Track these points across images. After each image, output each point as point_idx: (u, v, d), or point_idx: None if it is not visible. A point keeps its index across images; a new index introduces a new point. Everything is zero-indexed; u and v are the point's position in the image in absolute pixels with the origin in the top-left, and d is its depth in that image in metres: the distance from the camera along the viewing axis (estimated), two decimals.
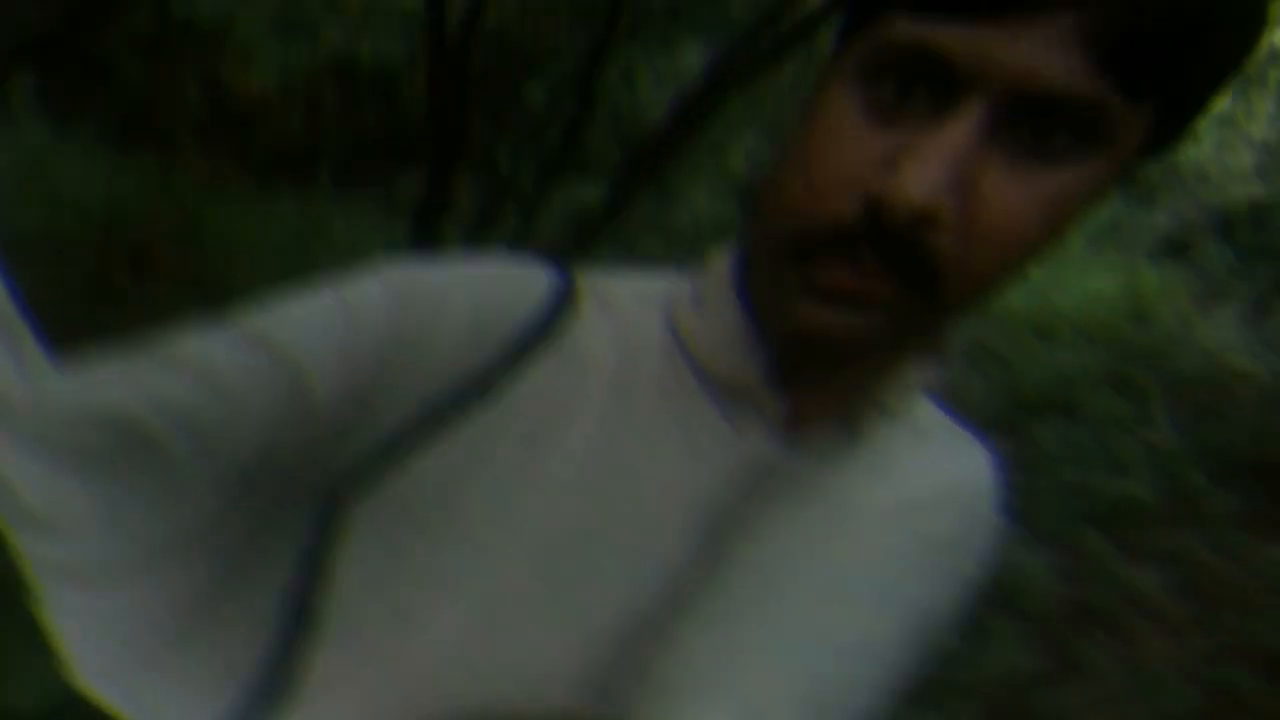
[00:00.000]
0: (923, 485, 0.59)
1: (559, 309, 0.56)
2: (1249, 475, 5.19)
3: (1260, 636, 3.85)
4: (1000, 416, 5.89)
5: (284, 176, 6.15)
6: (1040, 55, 0.42)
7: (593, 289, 0.59)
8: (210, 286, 4.73)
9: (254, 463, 0.47)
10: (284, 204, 5.95)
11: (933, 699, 3.25)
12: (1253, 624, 3.95)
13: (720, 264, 0.58)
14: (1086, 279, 8.07)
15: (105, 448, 0.45)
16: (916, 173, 0.43)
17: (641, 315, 0.58)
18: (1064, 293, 7.89)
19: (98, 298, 4.37)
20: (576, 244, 4.56)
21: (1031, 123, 0.44)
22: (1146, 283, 7.62)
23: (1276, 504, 5.00)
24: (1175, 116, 0.47)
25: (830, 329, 0.48)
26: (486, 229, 4.90)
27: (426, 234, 4.28)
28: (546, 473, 0.53)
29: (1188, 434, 5.67)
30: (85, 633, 0.47)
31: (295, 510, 0.52)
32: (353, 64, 6.16)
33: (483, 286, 0.55)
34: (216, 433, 0.47)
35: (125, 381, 0.47)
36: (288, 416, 0.48)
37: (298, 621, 0.52)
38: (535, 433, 0.53)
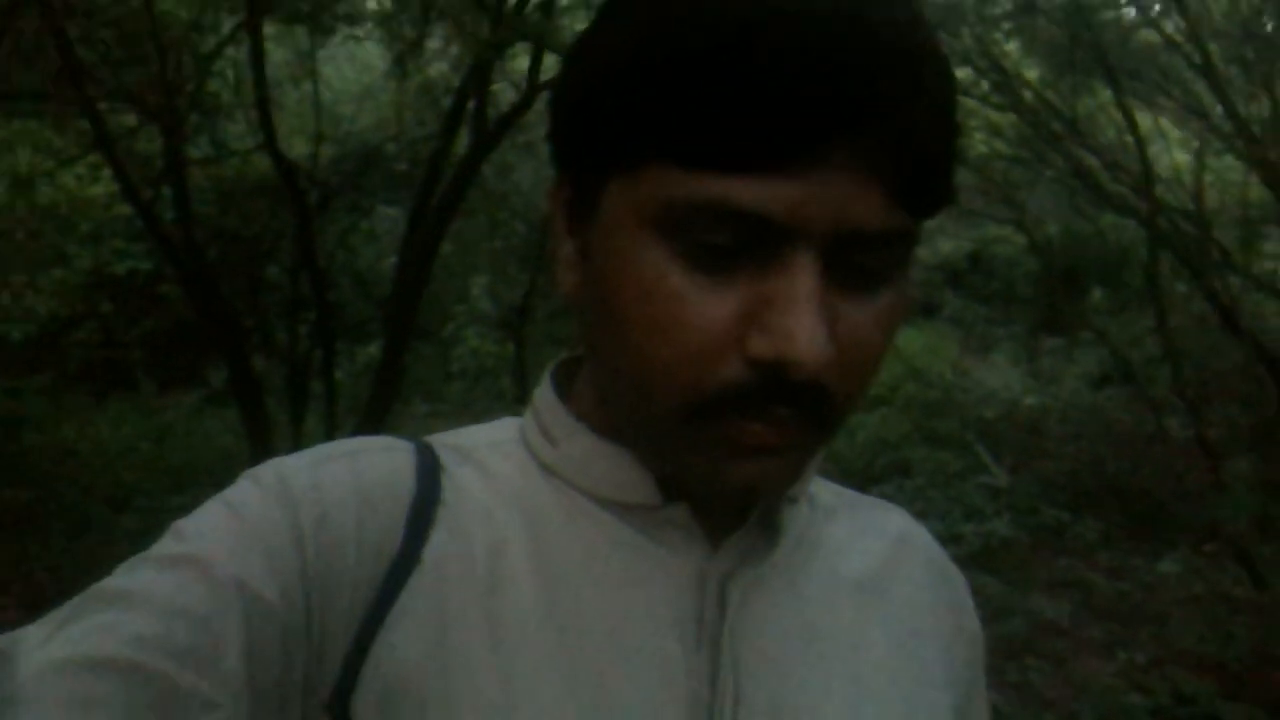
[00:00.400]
0: (877, 551, 0.63)
1: (433, 469, 0.56)
2: (1096, 502, 5.53)
3: (1185, 642, 3.97)
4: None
5: (103, 385, 6.87)
6: (854, 203, 0.44)
7: (445, 446, 0.59)
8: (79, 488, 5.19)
9: (249, 681, 0.46)
10: (120, 409, 6.74)
11: None
12: (1171, 632, 4.09)
13: (549, 398, 0.59)
14: None
15: (110, 697, 0.43)
16: (803, 332, 0.44)
17: (506, 462, 0.58)
18: None
19: None
20: (378, 398, 4.88)
21: (857, 258, 0.47)
22: (913, 343, 8.20)
23: (1134, 522, 5.31)
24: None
25: (758, 480, 0.50)
26: (298, 399, 5.44)
27: (258, 416, 4.83)
28: (516, 637, 0.51)
29: (1018, 473, 6.01)
30: None
31: None
32: (111, 279, 6.56)
33: (352, 463, 0.55)
34: (202, 654, 0.45)
35: (94, 633, 0.44)
36: (253, 626, 0.46)
37: None
38: (478, 599, 0.52)
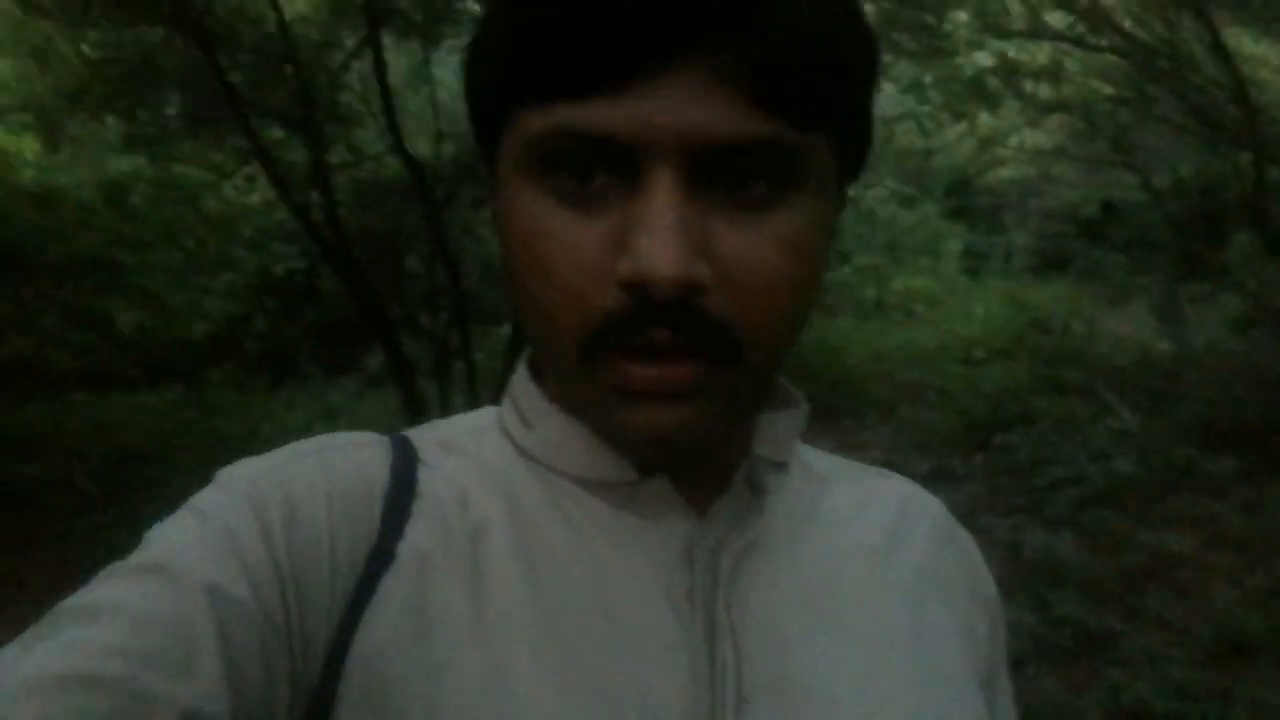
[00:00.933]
0: (882, 520, 0.62)
1: (408, 461, 0.56)
2: (1231, 441, 5.40)
3: None
4: (966, 436, 6.04)
5: (276, 374, 7.51)
6: (699, 110, 0.43)
7: (425, 438, 0.59)
8: None
9: (229, 683, 0.45)
10: (292, 395, 7.29)
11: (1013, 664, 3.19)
12: None
13: (524, 382, 0.59)
14: (971, 306, 8.51)
15: (84, 712, 0.42)
16: (657, 247, 0.43)
17: (487, 448, 0.58)
18: (962, 321, 8.31)
19: None
20: (509, 373, 5.10)
21: (726, 176, 0.46)
22: (1038, 295, 8.06)
23: (1270, 458, 5.17)
24: (852, 138, 0.51)
25: (664, 428, 0.48)
26: (444, 378, 5.88)
27: (411, 395, 5.31)
28: (502, 622, 0.50)
29: (1150, 418, 5.90)
30: None
31: None
32: (274, 279, 7.24)
33: (321, 459, 0.54)
34: (175, 659, 0.44)
35: (64, 649, 0.43)
36: (228, 629, 0.46)
37: None
38: (460, 586, 0.51)
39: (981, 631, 0.62)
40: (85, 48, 5.53)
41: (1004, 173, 10.59)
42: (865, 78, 0.50)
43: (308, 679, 0.49)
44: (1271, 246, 6.83)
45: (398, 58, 6.13)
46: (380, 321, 5.44)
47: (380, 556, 0.51)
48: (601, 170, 0.46)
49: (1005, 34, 5.98)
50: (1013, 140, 8.33)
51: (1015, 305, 8.08)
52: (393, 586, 0.51)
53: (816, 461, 0.64)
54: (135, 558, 0.48)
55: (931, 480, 5.16)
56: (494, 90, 0.49)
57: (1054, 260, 11.52)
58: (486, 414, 0.62)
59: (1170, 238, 9.53)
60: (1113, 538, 4.26)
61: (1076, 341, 7.21)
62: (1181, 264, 9.16)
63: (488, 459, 0.57)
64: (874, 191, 10.27)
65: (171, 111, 5.88)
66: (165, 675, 0.43)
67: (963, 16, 6.24)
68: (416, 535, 0.53)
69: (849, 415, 6.63)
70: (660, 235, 0.43)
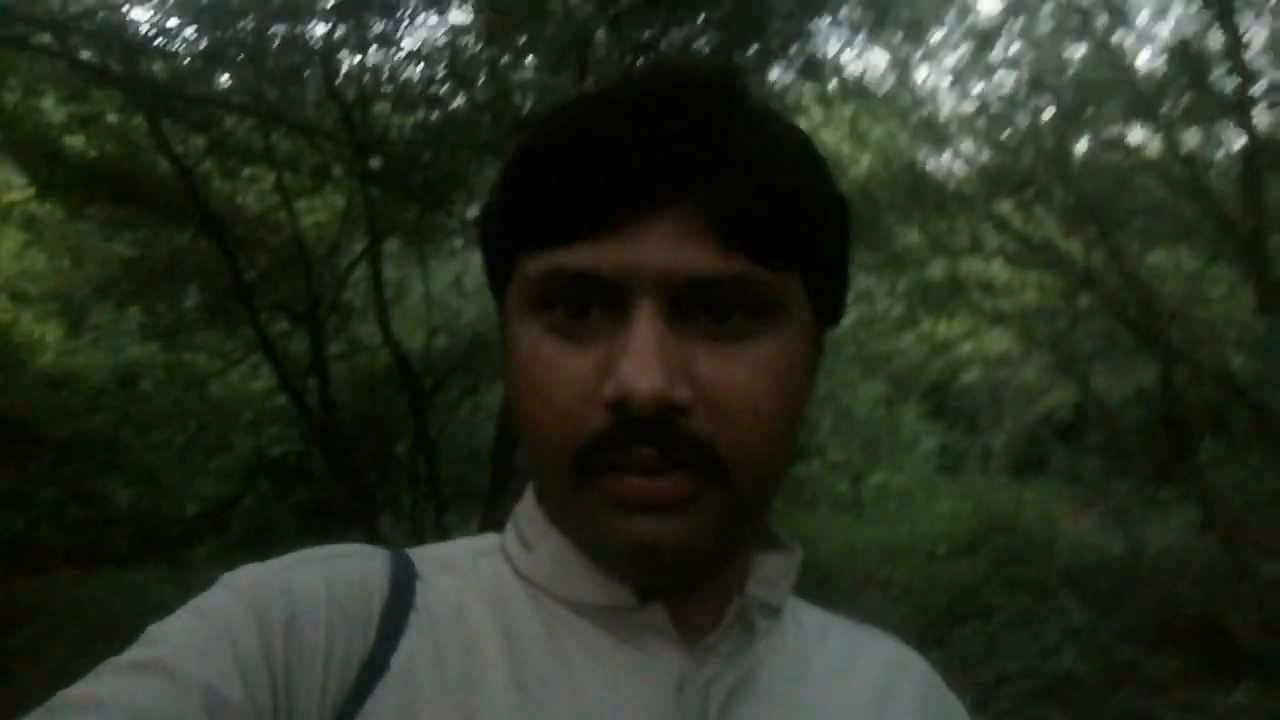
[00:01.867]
0: (872, 676, 0.63)
1: (408, 577, 0.57)
2: (1174, 639, 5.54)
3: None
4: (922, 631, 6.17)
5: (262, 554, 7.31)
6: (674, 251, 0.49)
7: (425, 556, 0.60)
8: None
9: None
10: None
11: None
12: None
13: (528, 505, 0.61)
14: (938, 504, 8.78)
15: None
16: (636, 368, 0.47)
17: (485, 569, 0.60)
18: (924, 518, 8.56)
19: None
20: None
21: (706, 309, 0.50)
22: (998, 499, 8.33)
23: (1210, 659, 5.30)
24: (824, 283, 0.56)
25: (655, 537, 0.50)
26: None
27: None
28: None
29: (1099, 616, 6.06)
30: None
31: None
32: (267, 460, 7.56)
33: (325, 567, 0.55)
34: None
35: None
36: None
37: None
38: (450, 702, 0.52)
39: None
40: (119, 246, 6.14)
41: (969, 376, 11.10)
42: (831, 227, 0.56)
43: None
44: (1236, 450, 7.15)
45: (400, 261, 6.75)
46: (364, 502, 5.78)
47: (373, 667, 0.52)
48: (594, 306, 0.50)
49: (950, 251, 6.59)
50: (966, 345, 8.87)
51: (980, 505, 8.37)
52: (382, 699, 0.51)
53: (808, 614, 0.65)
54: (134, 653, 0.49)
55: None
56: (500, 242, 0.55)
57: (1031, 461, 11.81)
58: (489, 539, 0.63)
59: (1139, 443, 9.86)
60: None
61: (1037, 542, 7.44)
62: (1153, 468, 9.44)
63: (485, 580, 0.59)
64: (857, 390, 10.75)
65: (189, 304, 6.42)
66: None
67: (914, 236, 6.89)
68: (410, 647, 0.53)
69: (816, 604, 6.78)
70: (639, 358, 0.48)
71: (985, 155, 6.66)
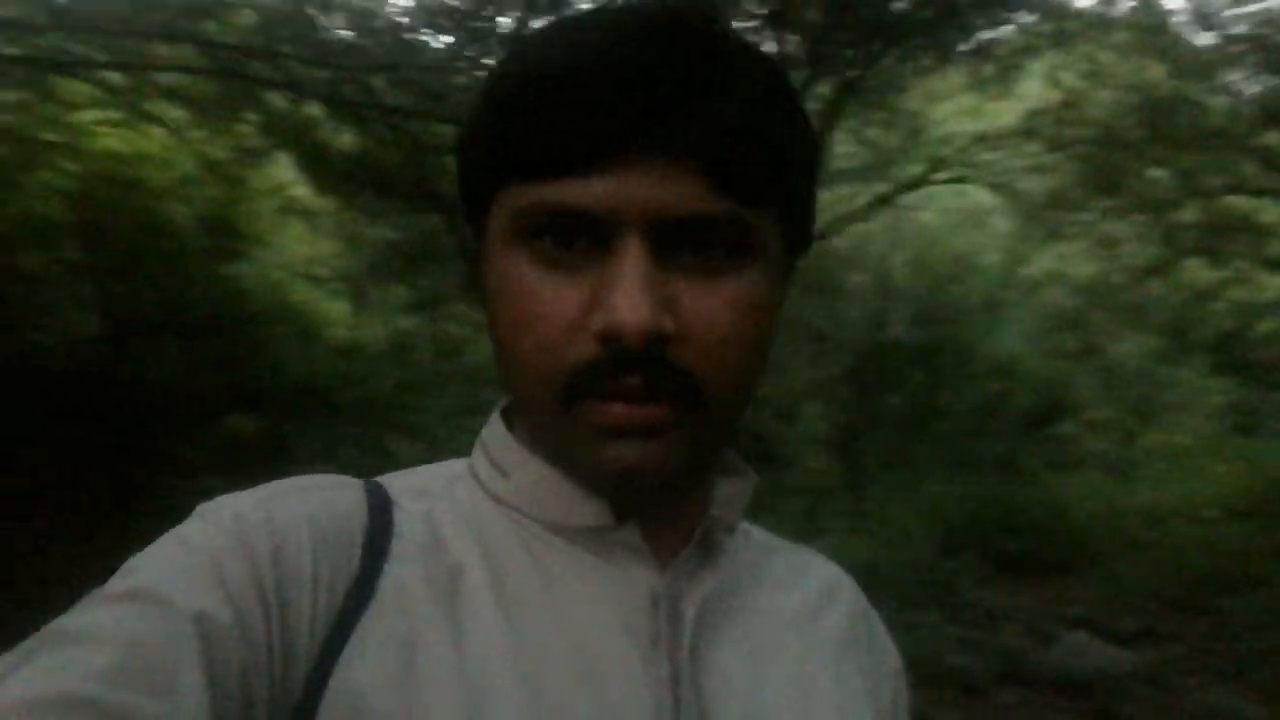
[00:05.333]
0: (811, 590, 0.67)
1: (385, 504, 0.59)
2: None
3: None
4: (1183, 598, 5.69)
5: None
6: (661, 189, 0.50)
7: (397, 484, 0.61)
8: None
9: (211, 705, 0.46)
10: None
11: None
12: None
13: (498, 432, 0.62)
14: (1216, 465, 7.90)
15: None
16: (627, 302, 0.49)
17: (461, 494, 0.61)
18: (1197, 480, 7.75)
19: None
20: None
21: (687, 245, 0.52)
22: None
23: None
24: (796, 218, 0.58)
25: (637, 461, 0.52)
26: None
27: None
28: (479, 661, 0.53)
29: None
30: None
31: None
32: None
33: (304, 497, 0.56)
34: (158, 682, 0.45)
35: (49, 672, 0.44)
36: (210, 651, 0.47)
37: None
38: (440, 625, 0.54)
39: (886, 698, 0.68)
40: (384, 231, 6.92)
41: (1265, 326, 9.85)
42: (806, 165, 0.57)
43: (287, 704, 0.50)
44: None
45: None
46: None
47: (361, 591, 0.54)
48: (579, 238, 0.51)
49: (1207, 192, 5.90)
50: (1238, 292, 7.88)
51: (1262, 466, 7.48)
52: (374, 621, 0.53)
53: (756, 533, 0.69)
54: (117, 584, 0.49)
55: (1133, 640, 4.96)
56: (483, 170, 0.55)
57: None
58: (455, 464, 0.65)
59: None
60: None
61: None
62: None
63: (461, 504, 0.60)
64: (1123, 347, 9.91)
65: (448, 280, 7.10)
66: (149, 698, 0.44)
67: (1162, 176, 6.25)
68: (396, 573, 0.55)
69: (1059, 569, 6.43)
70: (629, 293, 0.49)
71: (1253, 86, 5.89)
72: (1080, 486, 8.09)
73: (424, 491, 0.61)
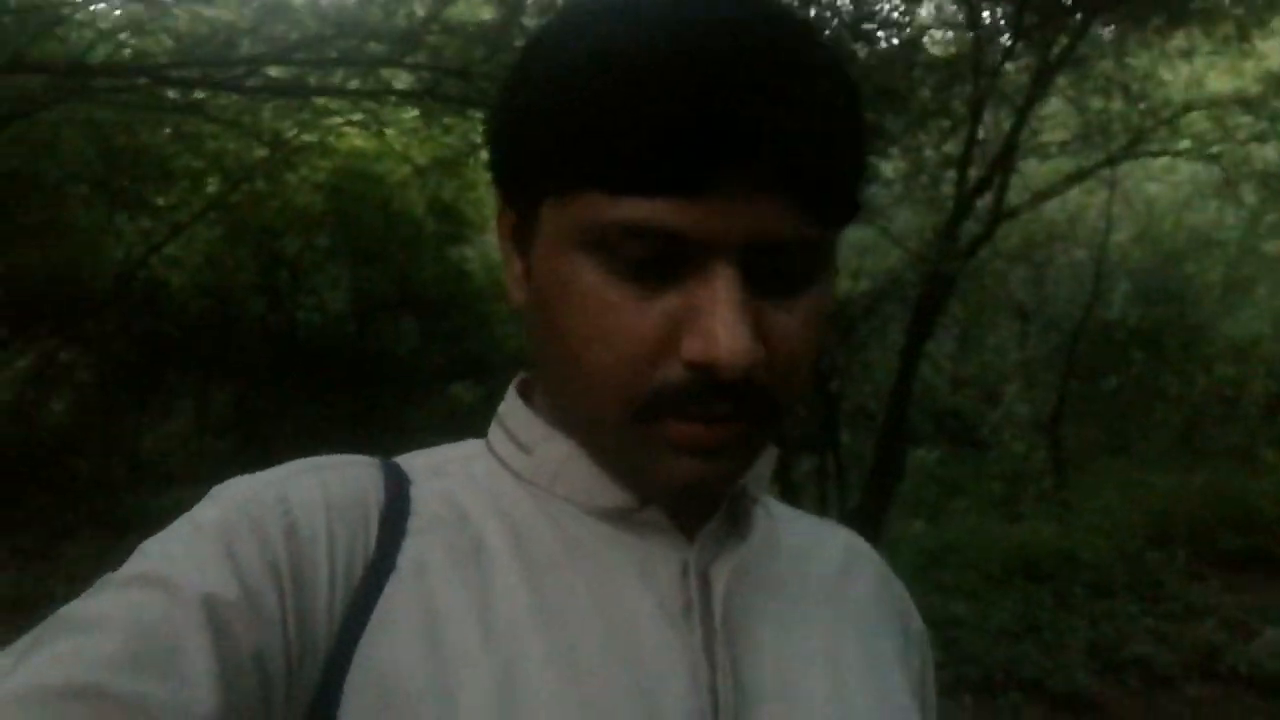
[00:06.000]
0: (834, 557, 0.68)
1: (401, 482, 0.59)
2: None
3: None
4: None
5: None
6: (757, 215, 0.49)
7: (412, 463, 0.62)
8: None
9: (223, 690, 0.46)
10: None
11: None
12: None
13: (518, 409, 0.62)
14: None
15: None
16: (728, 335, 0.48)
17: (479, 472, 0.61)
18: None
19: None
20: (873, 490, 5.73)
21: (773, 265, 0.51)
22: None
23: None
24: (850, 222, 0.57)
25: (705, 479, 0.53)
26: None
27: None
28: (509, 630, 0.53)
29: None
30: None
31: None
32: None
33: (318, 476, 0.56)
34: (168, 668, 0.45)
35: (58, 660, 0.44)
36: (222, 635, 0.47)
37: None
38: (466, 596, 0.54)
39: (915, 663, 0.68)
40: None
41: None
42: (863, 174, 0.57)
43: (307, 682, 0.50)
44: None
45: None
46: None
47: (381, 567, 0.54)
48: (663, 257, 0.50)
49: None
50: None
51: None
52: (396, 596, 0.53)
53: (773, 504, 0.69)
54: (129, 569, 0.49)
55: None
56: (555, 168, 0.52)
57: None
58: (472, 444, 0.64)
59: None
60: None
61: None
62: None
63: (480, 481, 0.60)
64: None
65: None
66: (160, 685, 0.44)
67: None
68: (416, 548, 0.55)
69: None
70: (730, 324, 0.49)
71: None
72: None
73: (440, 469, 0.61)
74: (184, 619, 0.46)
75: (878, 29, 5.29)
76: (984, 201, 5.70)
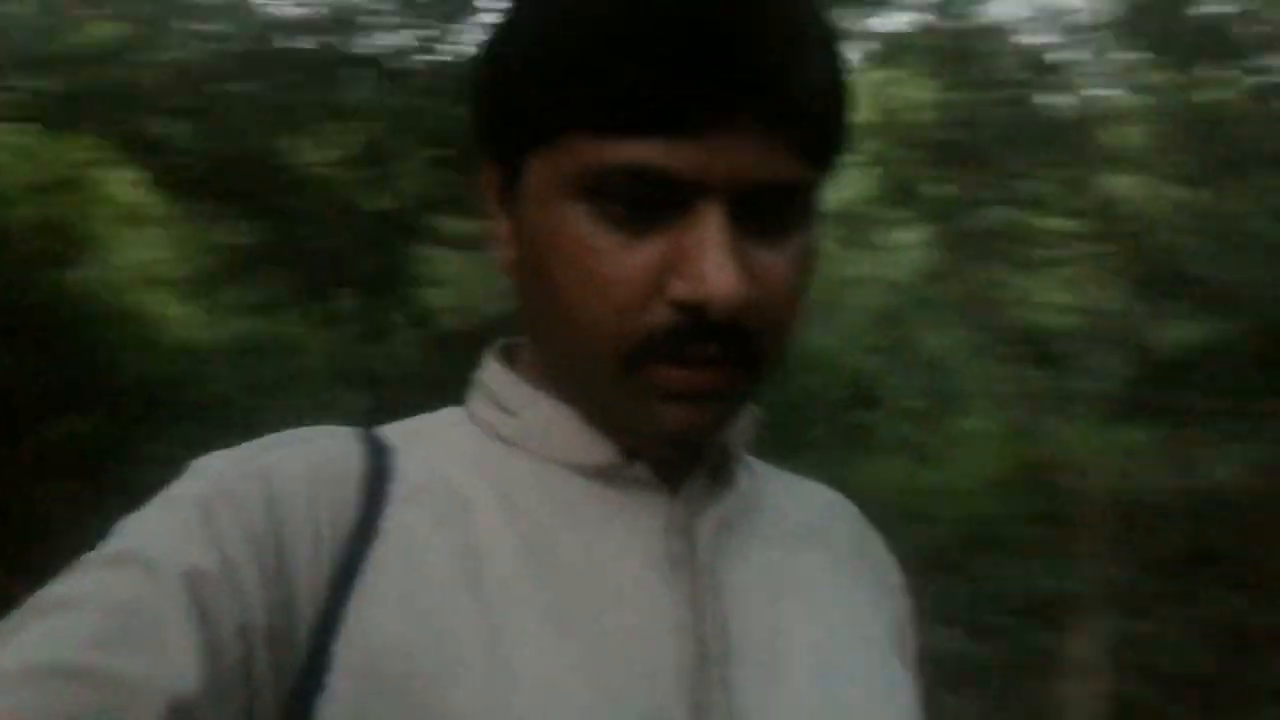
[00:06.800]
0: (815, 509, 0.69)
1: (381, 449, 0.58)
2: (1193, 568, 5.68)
3: None
4: (935, 557, 6.54)
5: None
6: (747, 156, 0.50)
7: (394, 431, 0.61)
8: None
9: (208, 663, 0.45)
10: None
11: None
12: None
13: (499, 372, 0.62)
14: (998, 446, 8.98)
15: (64, 703, 0.42)
16: (718, 274, 0.49)
17: (460, 436, 0.61)
18: (974, 460, 8.78)
19: None
20: None
21: (763, 206, 0.52)
22: (1060, 439, 8.42)
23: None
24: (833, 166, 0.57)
25: (691, 425, 0.54)
26: None
27: None
28: (500, 588, 0.53)
29: (1116, 545, 6.24)
30: None
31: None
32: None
33: (296, 447, 0.56)
34: (150, 644, 0.45)
35: (41, 640, 0.44)
36: (204, 610, 0.46)
37: None
38: (455, 556, 0.53)
39: (897, 611, 0.70)
40: (221, 234, 7.14)
41: (1063, 321, 10.95)
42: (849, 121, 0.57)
43: (294, 653, 0.50)
44: None
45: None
46: None
47: (365, 533, 0.54)
48: (654, 198, 0.51)
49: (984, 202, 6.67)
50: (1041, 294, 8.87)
51: (1032, 445, 8.51)
52: (382, 560, 0.53)
53: (755, 463, 0.70)
54: (108, 547, 0.50)
55: None
56: (540, 114, 0.53)
57: (1139, 405, 11.53)
58: (451, 411, 0.64)
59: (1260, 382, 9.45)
60: None
61: (1071, 477, 7.57)
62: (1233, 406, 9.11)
63: (462, 447, 0.60)
64: (928, 339, 10.86)
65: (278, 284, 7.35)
66: (142, 661, 0.44)
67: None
68: (400, 513, 0.55)
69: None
70: (720, 264, 0.49)
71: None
72: (878, 469, 8.98)
73: (420, 437, 0.62)
74: (164, 595, 0.47)
75: None
76: None
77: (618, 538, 0.58)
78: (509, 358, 0.64)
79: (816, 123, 0.53)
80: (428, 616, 0.52)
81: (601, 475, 0.60)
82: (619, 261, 0.53)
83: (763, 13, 0.50)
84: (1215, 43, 5.54)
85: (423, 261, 7.25)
